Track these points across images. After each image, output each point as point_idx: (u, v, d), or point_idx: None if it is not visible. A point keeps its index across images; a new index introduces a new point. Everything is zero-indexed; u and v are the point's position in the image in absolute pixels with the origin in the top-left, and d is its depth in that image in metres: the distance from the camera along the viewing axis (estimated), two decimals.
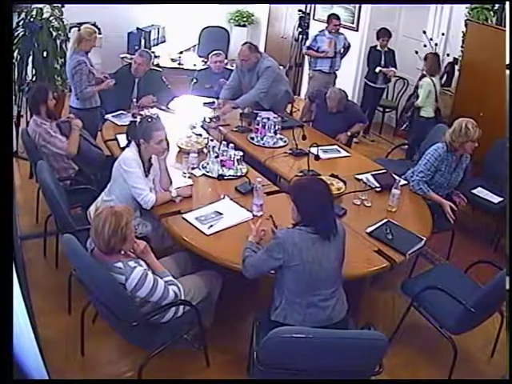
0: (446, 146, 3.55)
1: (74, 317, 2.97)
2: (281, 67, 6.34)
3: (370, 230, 2.99)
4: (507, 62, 4.36)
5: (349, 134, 4.79)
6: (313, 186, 2.46)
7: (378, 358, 2.17)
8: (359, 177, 3.58)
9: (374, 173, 3.65)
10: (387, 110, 6.76)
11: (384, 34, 5.97)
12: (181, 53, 7.09)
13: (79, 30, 4.40)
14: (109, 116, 4.46)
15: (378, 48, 6.03)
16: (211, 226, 2.91)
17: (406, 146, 5.48)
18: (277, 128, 4.23)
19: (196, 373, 2.81)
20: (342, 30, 6.13)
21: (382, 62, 6.03)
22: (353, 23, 6.82)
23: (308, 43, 6.00)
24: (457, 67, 5.62)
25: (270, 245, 2.43)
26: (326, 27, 6.00)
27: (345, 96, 4.66)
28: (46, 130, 3.64)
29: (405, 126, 5.64)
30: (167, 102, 4.81)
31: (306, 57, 6.29)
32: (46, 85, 4.08)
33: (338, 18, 5.98)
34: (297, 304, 2.39)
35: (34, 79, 5.05)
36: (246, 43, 4.75)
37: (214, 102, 4.95)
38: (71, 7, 5.32)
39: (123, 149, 3.38)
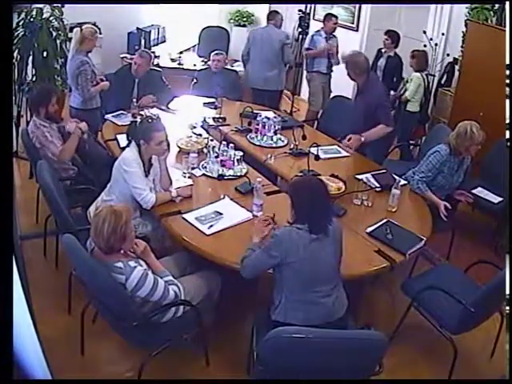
0: (449, 148, 3.54)
1: (74, 317, 2.97)
2: None
3: (369, 229, 2.99)
4: (507, 61, 4.36)
5: (362, 139, 3.97)
6: (308, 183, 2.52)
7: (377, 357, 2.17)
8: (359, 177, 3.58)
9: (374, 173, 3.65)
10: None
11: (388, 34, 5.72)
12: (181, 53, 7.09)
13: (81, 30, 4.39)
14: (109, 116, 4.45)
15: (383, 50, 5.84)
16: (211, 225, 2.91)
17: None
18: (277, 128, 4.23)
19: (196, 373, 2.81)
20: (341, 31, 6.12)
21: (379, 65, 5.78)
22: (353, 23, 6.82)
23: (306, 44, 5.97)
24: (457, 67, 5.62)
25: (267, 244, 2.44)
26: (322, 27, 5.99)
27: (360, 58, 4.01)
28: (43, 132, 3.62)
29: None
30: (167, 102, 4.81)
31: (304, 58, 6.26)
32: (51, 88, 4.06)
33: (335, 17, 5.97)
34: (296, 302, 2.40)
35: (34, 79, 5.05)
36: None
37: (214, 102, 4.96)
38: (71, 7, 5.32)
39: (123, 149, 3.38)
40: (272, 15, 5.83)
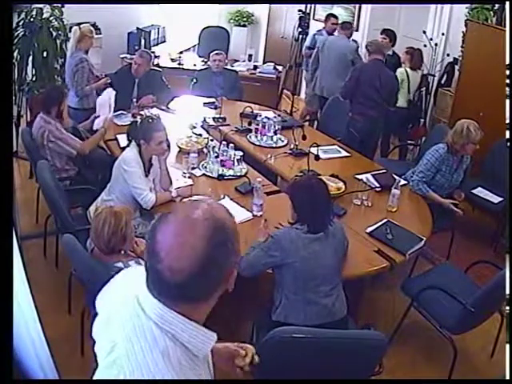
0: (447, 147, 3.55)
1: (73, 317, 2.97)
2: (280, 67, 6.36)
3: (369, 230, 2.99)
4: (507, 61, 4.36)
5: None
6: (307, 184, 2.51)
7: (377, 358, 2.17)
8: (359, 177, 3.58)
9: (374, 173, 3.65)
10: None
11: (384, 33, 5.71)
12: (181, 53, 7.08)
13: (80, 29, 4.40)
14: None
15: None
16: None
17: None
18: (277, 128, 4.23)
19: None
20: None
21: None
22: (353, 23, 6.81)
23: (307, 43, 5.98)
24: (457, 67, 5.62)
25: (266, 243, 2.44)
26: (324, 27, 5.99)
27: (374, 41, 4.82)
28: (56, 127, 3.62)
29: None
30: (167, 102, 4.81)
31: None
32: (63, 88, 4.08)
33: (335, 17, 5.97)
34: (297, 302, 2.40)
35: (34, 79, 5.05)
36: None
37: (214, 102, 4.96)
38: (71, 7, 5.31)
39: (123, 149, 3.38)
40: (344, 26, 5.73)
